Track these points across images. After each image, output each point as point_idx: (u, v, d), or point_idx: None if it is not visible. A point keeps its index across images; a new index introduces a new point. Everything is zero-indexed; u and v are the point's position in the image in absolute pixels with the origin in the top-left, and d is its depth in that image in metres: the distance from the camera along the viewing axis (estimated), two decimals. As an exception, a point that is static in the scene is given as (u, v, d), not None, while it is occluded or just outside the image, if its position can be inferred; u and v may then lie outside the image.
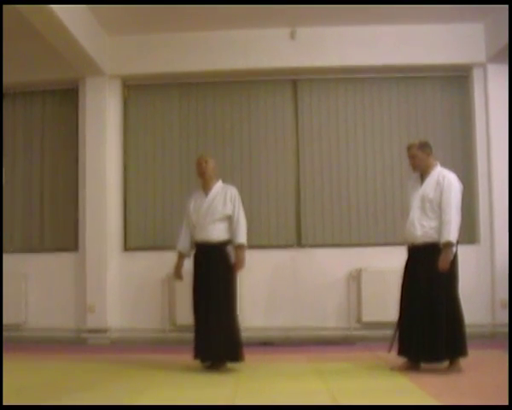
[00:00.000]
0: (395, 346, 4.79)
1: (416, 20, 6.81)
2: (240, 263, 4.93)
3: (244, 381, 4.36)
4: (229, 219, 4.95)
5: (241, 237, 4.92)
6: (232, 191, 5.02)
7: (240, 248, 4.92)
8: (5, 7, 5.18)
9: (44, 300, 7.05)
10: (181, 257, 5.19)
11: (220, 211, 4.93)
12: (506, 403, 3.31)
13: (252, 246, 6.85)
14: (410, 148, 4.89)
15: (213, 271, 4.85)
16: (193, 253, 5.10)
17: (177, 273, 5.20)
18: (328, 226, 7.08)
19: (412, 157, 4.85)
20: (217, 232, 4.91)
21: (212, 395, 3.94)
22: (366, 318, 6.74)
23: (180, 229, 5.23)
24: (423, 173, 4.83)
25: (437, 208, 4.65)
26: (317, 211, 7.10)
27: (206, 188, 5.06)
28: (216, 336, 4.70)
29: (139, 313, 6.95)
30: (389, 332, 4.94)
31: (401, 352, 4.75)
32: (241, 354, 4.79)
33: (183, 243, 5.16)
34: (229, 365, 4.81)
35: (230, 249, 4.93)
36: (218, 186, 5.06)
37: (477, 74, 7.01)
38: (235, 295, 4.97)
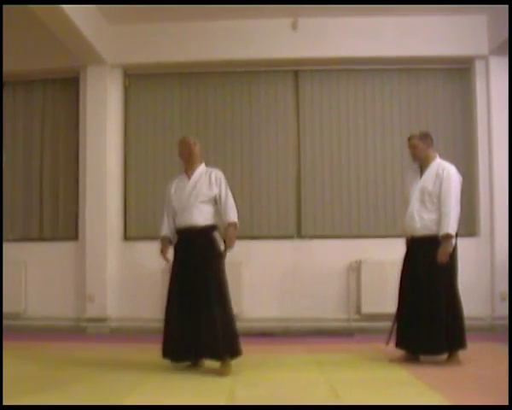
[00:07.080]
0: (393, 338, 4.81)
1: (418, 11, 6.79)
2: (230, 241, 4.45)
3: (243, 372, 4.35)
4: (215, 203, 4.57)
5: (232, 216, 4.50)
6: (217, 173, 4.63)
7: (231, 226, 4.49)
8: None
9: (44, 289, 7.07)
10: (165, 241, 4.72)
11: (205, 193, 4.53)
12: (505, 397, 3.32)
13: (252, 237, 6.95)
14: (411, 138, 4.90)
15: (200, 258, 4.42)
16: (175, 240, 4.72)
17: (165, 257, 4.72)
18: (328, 218, 7.08)
19: (413, 147, 4.86)
20: (202, 216, 4.50)
21: (211, 385, 3.94)
22: (365, 309, 6.76)
23: (161, 218, 4.81)
24: (423, 165, 4.83)
25: (436, 201, 4.65)
26: (318, 202, 7.10)
27: (189, 171, 4.68)
28: (210, 332, 4.27)
29: (139, 303, 6.95)
30: (388, 324, 4.94)
31: (399, 344, 4.77)
32: (239, 348, 4.39)
33: (167, 228, 4.72)
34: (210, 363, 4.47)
35: (217, 235, 4.52)
36: (202, 169, 4.68)
37: (479, 67, 6.99)
38: (227, 284, 4.48)
